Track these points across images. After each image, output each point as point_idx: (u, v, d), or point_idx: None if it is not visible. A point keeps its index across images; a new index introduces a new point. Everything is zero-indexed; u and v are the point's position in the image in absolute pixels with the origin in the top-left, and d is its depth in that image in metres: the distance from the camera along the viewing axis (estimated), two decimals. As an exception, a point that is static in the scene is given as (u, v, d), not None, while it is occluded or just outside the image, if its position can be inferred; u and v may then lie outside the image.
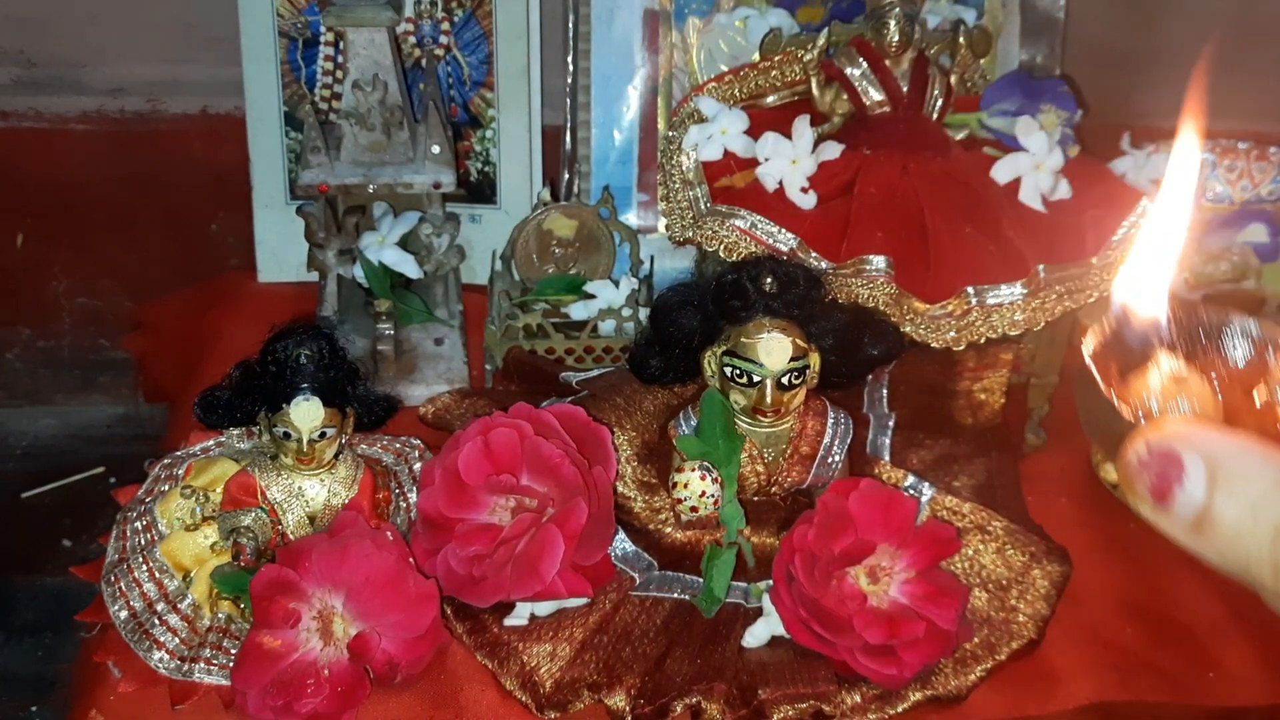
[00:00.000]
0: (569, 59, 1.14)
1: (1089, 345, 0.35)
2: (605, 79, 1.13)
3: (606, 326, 1.03)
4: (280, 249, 1.18)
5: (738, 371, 0.78)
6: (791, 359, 0.77)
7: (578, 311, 1.04)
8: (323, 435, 0.77)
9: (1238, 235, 1.13)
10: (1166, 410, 0.33)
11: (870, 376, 0.93)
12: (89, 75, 1.21)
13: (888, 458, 0.91)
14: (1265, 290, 1.14)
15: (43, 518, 1.26)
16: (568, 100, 1.15)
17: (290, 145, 1.16)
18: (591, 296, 1.04)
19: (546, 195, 1.08)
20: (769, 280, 0.77)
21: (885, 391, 0.95)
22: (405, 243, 1.05)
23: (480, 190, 1.19)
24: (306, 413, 0.75)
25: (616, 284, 1.05)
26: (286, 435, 0.76)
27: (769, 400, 0.78)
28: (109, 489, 0.90)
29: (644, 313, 1.02)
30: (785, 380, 0.78)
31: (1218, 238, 1.13)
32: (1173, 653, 0.82)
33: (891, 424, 0.93)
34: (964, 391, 0.97)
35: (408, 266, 1.04)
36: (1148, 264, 0.35)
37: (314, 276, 1.10)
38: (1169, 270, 0.35)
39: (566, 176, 1.16)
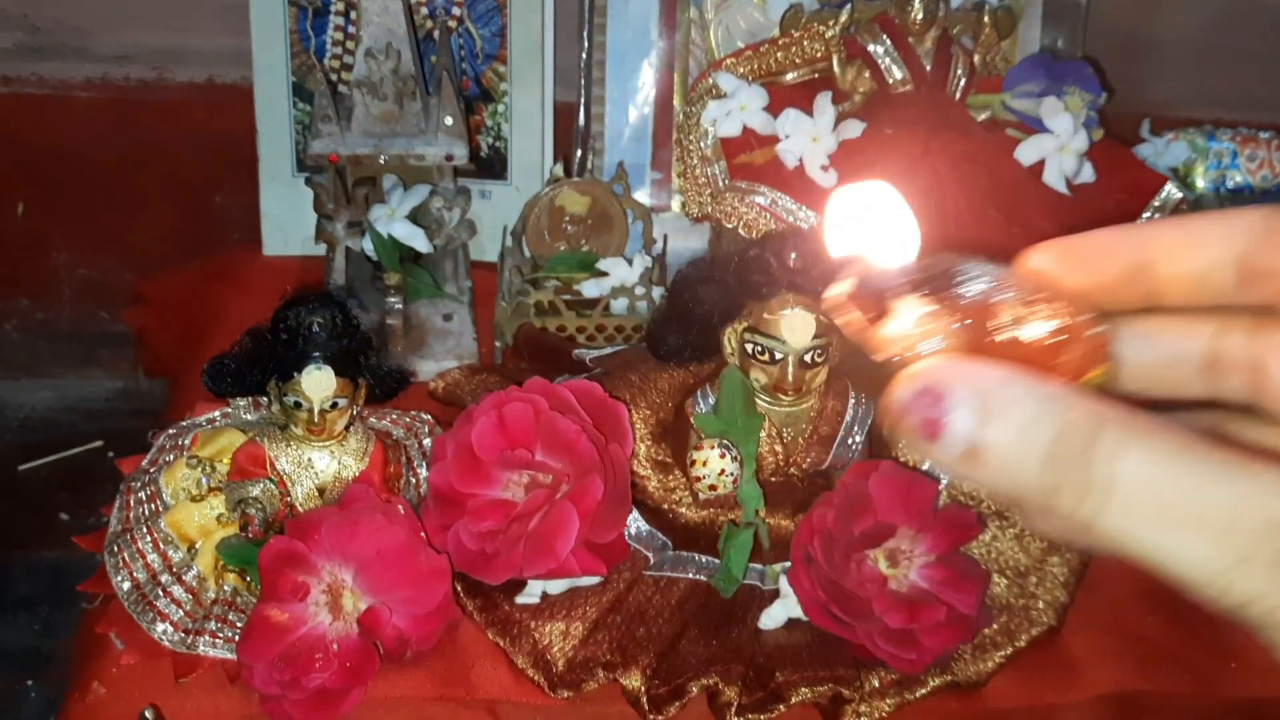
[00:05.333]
0: (584, 33, 1.12)
1: (834, 294, 0.36)
2: (621, 54, 1.11)
3: (619, 305, 1.01)
4: (286, 222, 1.16)
5: (759, 348, 0.76)
6: (815, 336, 0.76)
7: (590, 289, 1.03)
8: (334, 406, 0.75)
9: (1257, 225, 1.11)
10: (919, 351, 0.33)
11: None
12: (94, 41, 1.19)
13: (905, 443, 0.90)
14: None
15: (40, 491, 1.24)
16: (582, 76, 1.13)
17: (298, 116, 1.14)
18: (604, 274, 1.03)
19: (559, 171, 1.06)
20: (794, 255, 0.75)
21: (903, 374, 0.93)
22: (415, 217, 1.03)
23: (491, 166, 1.17)
24: (318, 382, 0.74)
25: (630, 262, 1.03)
26: (297, 405, 0.74)
27: (791, 378, 0.76)
28: (107, 463, 0.88)
29: (657, 291, 1.00)
30: (808, 358, 0.76)
31: (1237, 227, 1.11)
32: (1194, 642, 0.81)
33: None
34: (982, 376, 0.95)
35: (418, 240, 1.02)
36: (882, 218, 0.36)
37: (320, 251, 1.08)
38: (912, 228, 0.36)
39: (579, 153, 1.14)
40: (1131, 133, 1.16)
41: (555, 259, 1.05)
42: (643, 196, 1.12)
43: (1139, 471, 0.30)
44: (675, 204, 1.13)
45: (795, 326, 0.75)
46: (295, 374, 0.74)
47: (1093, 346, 0.33)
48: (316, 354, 0.73)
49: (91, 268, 1.30)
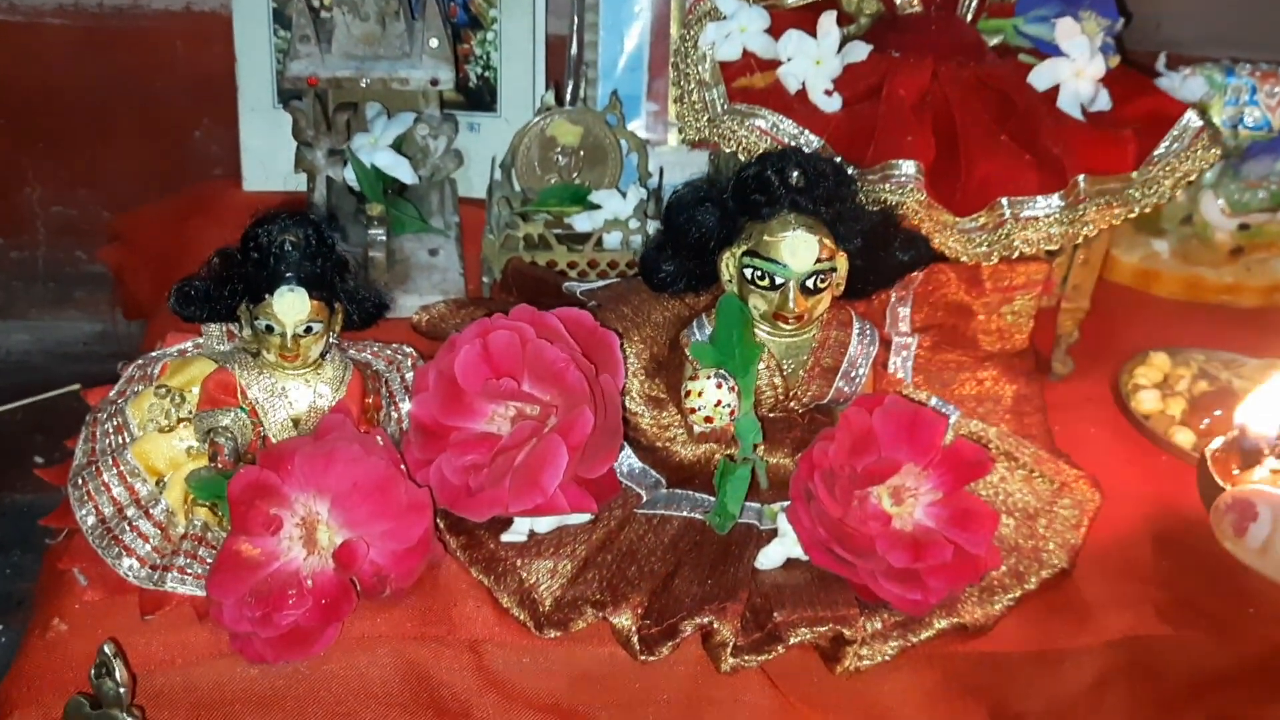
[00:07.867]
0: (578, -44, 1.07)
1: (1212, 446, 0.69)
2: (616, -22, 1.06)
3: (612, 239, 0.97)
4: (267, 156, 1.12)
5: (759, 273, 0.72)
6: (818, 260, 0.72)
7: (581, 223, 0.98)
8: (308, 330, 0.71)
9: (1276, 163, 1.07)
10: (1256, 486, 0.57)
11: (894, 294, 0.88)
12: (66, -35, 1.14)
13: (909, 380, 0.86)
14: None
15: (14, 434, 1.20)
16: (575, 0, 1.08)
17: (279, 45, 1.10)
18: (596, 207, 0.99)
19: (551, 99, 1.01)
20: (796, 173, 0.71)
21: (908, 310, 0.89)
22: (400, 147, 0.98)
23: (479, 97, 1.12)
24: (291, 304, 0.69)
25: (623, 194, 0.99)
26: (269, 329, 0.70)
27: (792, 304, 0.72)
28: (83, 407, 0.84)
29: (652, 225, 0.96)
30: (810, 283, 0.72)
31: (1256, 165, 1.07)
32: (1211, 587, 0.77)
33: (914, 345, 0.88)
34: (992, 313, 0.91)
35: (402, 171, 0.98)
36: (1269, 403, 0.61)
37: (302, 184, 1.03)
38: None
39: (572, 82, 1.09)
40: (1146, 73, 1.11)
41: (546, 191, 1.01)
42: (638, 128, 1.08)
43: None
44: (672, 137, 1.09)
45: (797, 249, 0.71)
46: (267, 295, 0.69)
47: None
48: (289, 274, 0.69)
49: (67, 204, 1.25)
